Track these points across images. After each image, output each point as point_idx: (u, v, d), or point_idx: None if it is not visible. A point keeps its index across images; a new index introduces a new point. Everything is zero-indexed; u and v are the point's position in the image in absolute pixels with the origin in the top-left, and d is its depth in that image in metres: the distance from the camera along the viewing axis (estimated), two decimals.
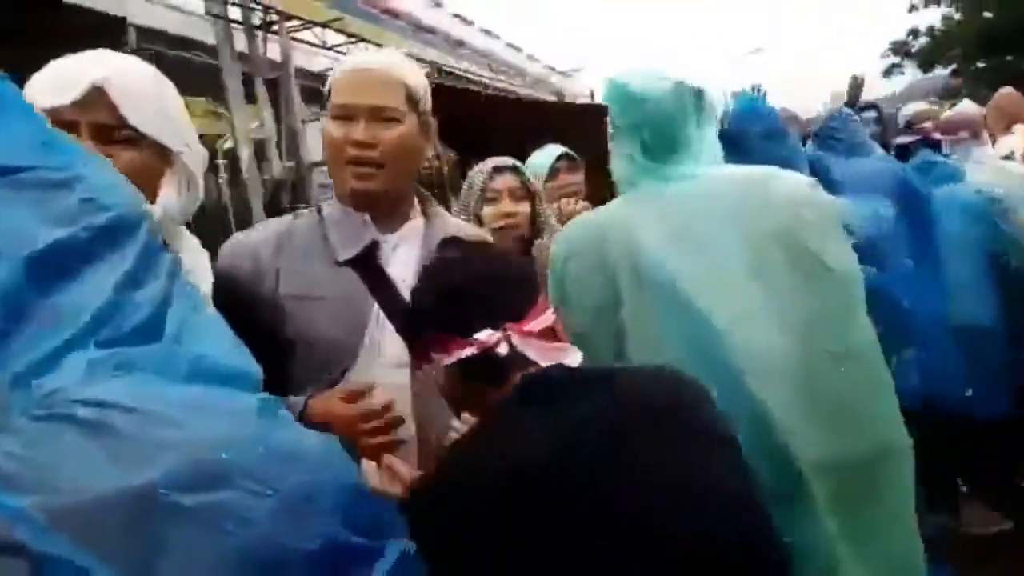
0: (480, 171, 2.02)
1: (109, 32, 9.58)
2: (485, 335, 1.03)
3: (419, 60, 13.86)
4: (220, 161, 10.14)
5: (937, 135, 3.51)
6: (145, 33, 9.90)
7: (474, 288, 1.09)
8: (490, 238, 1.68)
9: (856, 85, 3.67)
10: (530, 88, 21.99)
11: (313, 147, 9.30)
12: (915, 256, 2.88)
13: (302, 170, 9.10)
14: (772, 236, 1.48)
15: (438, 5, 15.06)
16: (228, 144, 9.83)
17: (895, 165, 2.99)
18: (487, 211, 1.97)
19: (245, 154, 9.35)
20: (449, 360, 1.06)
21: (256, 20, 9.32)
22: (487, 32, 18.29)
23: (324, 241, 1.40)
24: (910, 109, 4.15)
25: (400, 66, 1.39)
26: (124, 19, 9.66)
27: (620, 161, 1.59)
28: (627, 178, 1.59)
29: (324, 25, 9.43)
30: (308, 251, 1.40)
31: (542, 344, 1.06)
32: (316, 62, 10.35)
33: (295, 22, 9.26)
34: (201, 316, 0.82)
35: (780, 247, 1.48)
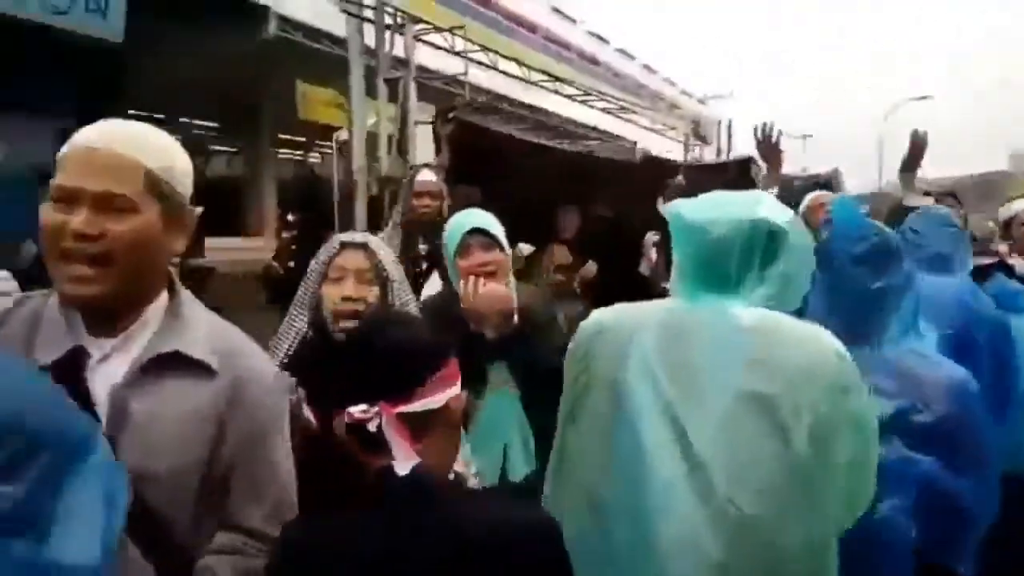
0: (327, 246, 1.80)
1: (250, 16, 10.11)
2: (358, 409, 1.08)
3: (548, 75, 13.76)
4: (333, 152, 10.44)
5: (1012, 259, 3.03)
6: (285, 21, 10.39)
7: (349, 361, 1.15)
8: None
9: (917, 144, 3.01)
10: (663, 114, 21.63)
11: (423, 149, 9.40)
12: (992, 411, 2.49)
13: (407, 171, 9.24)
14: (760, 402, 1.36)
15: (572, 21, 14.99)
16: (344, 136, 10.10)
17: (979, 300, 2.54)
18: (327, 291, 1.73)
19: (358, 148, 9.60)
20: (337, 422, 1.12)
21: (387, 19, 9.52)
22: (623, 52, 18.05)
23: (33, 336, 1.19)
24: (1018, 207, 3.51)
25: (140, 146, 1.19)
26: (268, 7, 10.16)
27: (674, 270, 1.57)
28: (672, 286, 1.58)
29: (449, 30, 9.52)
30: (11, 346, 1.17)
31: (402, 440, 1.09)
32: (442, 61, 10.48)
33: (422, 25, 9.38)
34: (86, 506, 0.92)
35: (762, 416, 1.36)
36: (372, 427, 1.07)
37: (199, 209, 1.30)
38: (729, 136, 25.55)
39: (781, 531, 1.33)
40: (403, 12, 9.25)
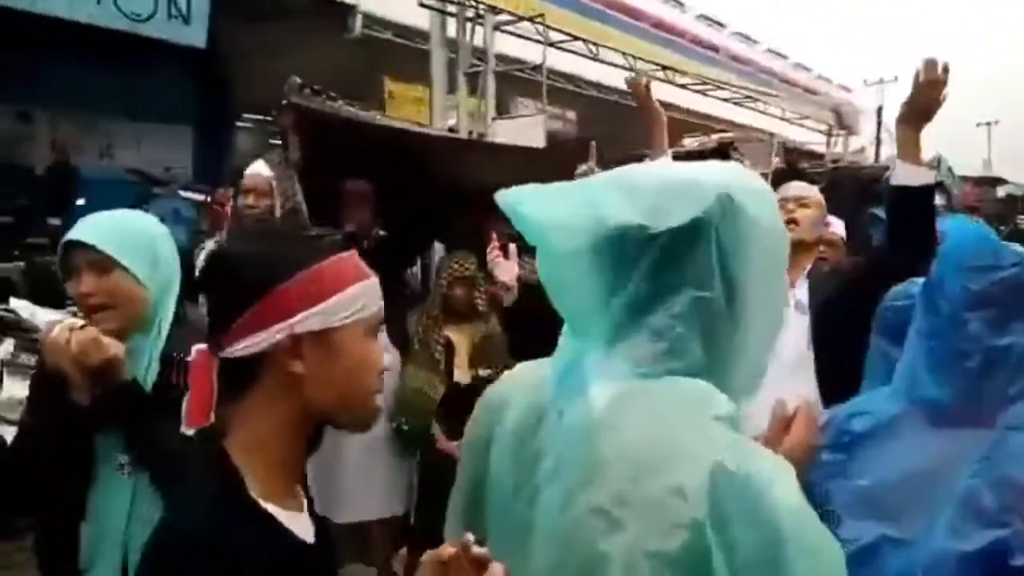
0: None
1: (335, 14, 10.08)
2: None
3: (656, 64, 13.05)
4: None
5: None
6: (370, 18, 10.29)
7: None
8: None
9: (927, 81, 1.92)
10: (798, 102, 20.02)
11: None
12: None
13: None
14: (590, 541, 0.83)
15: (679, 4, 14.01)
16: None
17: None
18: None
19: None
20: None
21: (469, 12, 9.18)
22: (743, 36, 16.77)
23: None
24: None
25: None
26: (355, 6, 10.08)
27: None
28: None
29: (530, 20, 9.03)
30: None
31: (196, 394, 0.96)
32: (527, 49, 10.03)
33: (503, 16, 8.97)
34: None
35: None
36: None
37: None
38: (879, 125, 23.36)
39: None
40: (482, 2, 8.85)
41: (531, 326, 2.37)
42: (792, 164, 5.92)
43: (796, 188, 2.54)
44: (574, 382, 0.90)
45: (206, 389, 0.93)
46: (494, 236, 2.39)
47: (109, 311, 1.48)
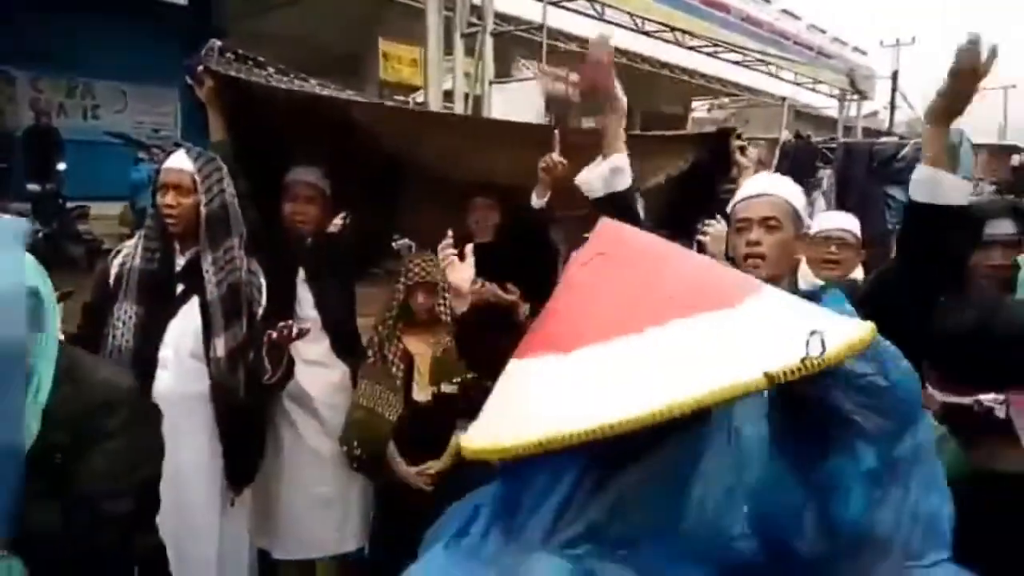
0: None
1: None
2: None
3: (663, 25, 12.51)
4: None
5: None
6: None
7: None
8: None
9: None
10: (810, 65, 19.42)
11: (496, 111, 8.57)
12: None
13: None
14: None
15: None
16: (421, 98, 9.45)
17: None
18: None
19: (433, 109, 8.92)
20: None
21: None
22: None
23: None
24: None
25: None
26: None
27: None
28: None
29: None
30: None
31: None
32: (528, 8, 9.57)
33: None
34: None
35: None
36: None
37: None
38: (894, 89, 22.70)
39: None
40: None
41: (486, 339, 2.04)
42: (803, 138, 5.48)
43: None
44: None
45: None
46: (449, 233, 2.04)
47: None
